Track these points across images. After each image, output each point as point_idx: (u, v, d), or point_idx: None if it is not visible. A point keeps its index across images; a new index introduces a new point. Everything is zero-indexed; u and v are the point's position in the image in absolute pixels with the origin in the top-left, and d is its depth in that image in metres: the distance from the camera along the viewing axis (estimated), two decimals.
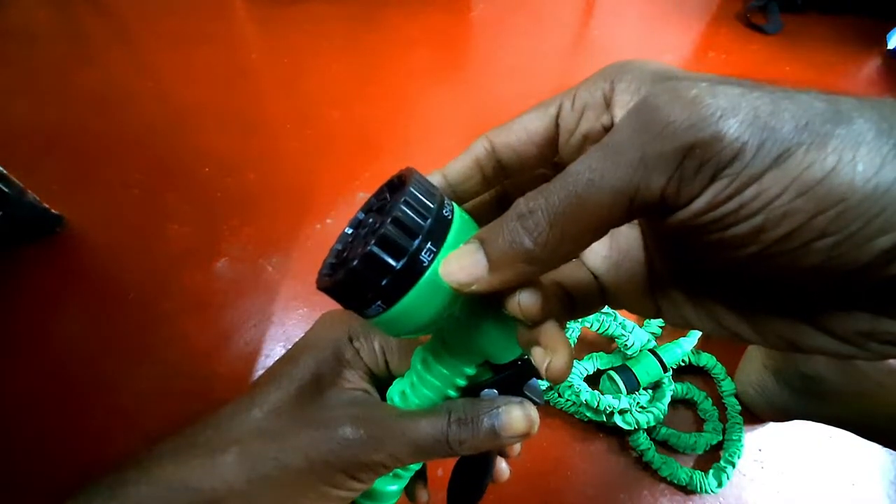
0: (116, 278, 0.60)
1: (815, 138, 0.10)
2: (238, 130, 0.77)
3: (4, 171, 0.55)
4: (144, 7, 1.00)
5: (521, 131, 0.18)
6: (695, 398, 0.51)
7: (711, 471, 0.47)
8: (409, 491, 0.27)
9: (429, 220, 0.16)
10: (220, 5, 1.01)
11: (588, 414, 0.48)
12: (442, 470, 0.47)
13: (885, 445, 0.40)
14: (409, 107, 0.82)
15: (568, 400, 0.49)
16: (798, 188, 0.10)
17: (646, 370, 0.49)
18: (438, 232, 0.16)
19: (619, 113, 0.16)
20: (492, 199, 0.21)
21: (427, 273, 0.16)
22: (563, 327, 0.17)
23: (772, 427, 0.51)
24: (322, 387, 0.21)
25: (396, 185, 0.18)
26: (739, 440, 0.48)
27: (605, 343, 0.55)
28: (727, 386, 0.52)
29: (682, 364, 0.53)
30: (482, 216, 0.19)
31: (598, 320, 0.52)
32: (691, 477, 0.46)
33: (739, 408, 0.51)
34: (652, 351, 0.50)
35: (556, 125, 0.17)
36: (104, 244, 0.63)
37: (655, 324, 0.55)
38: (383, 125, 0.79)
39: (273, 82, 0.88)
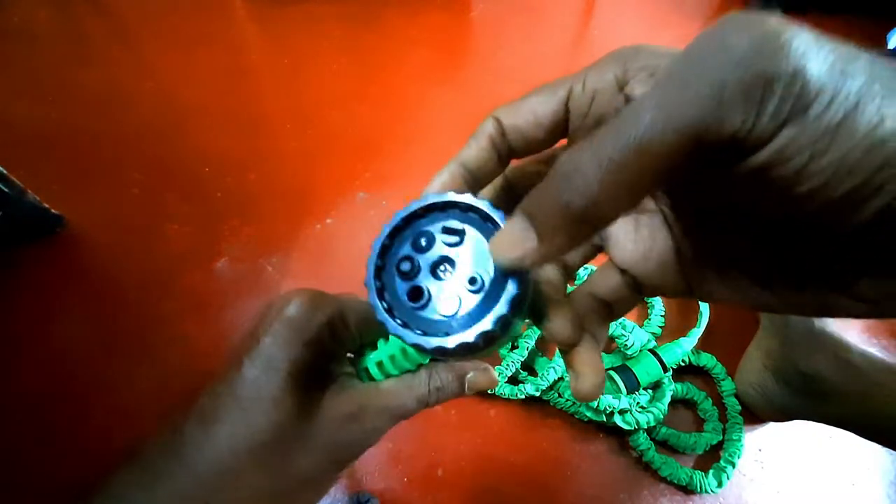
0: (116, 278, 0.60)
1: (886, 92, 0.10)
2: (238, 130, 0.77)
3: (4, 171, 0.55)
4: (144, 7, 1.00)
5: (528, 114, 0.17)
6: (695, 398, 0.51)
7: (711, 471, 0.47)
8: None
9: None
10: (220, 5, 1.00)
11: (588, 414, 0.48)
12: (442, 470, 0.47)
13: (886, 445, 0.40)
14: (409, 107, 0.82)
15: (568, 400, 0.49)
16: (869, 144, 0.10)
17: (646, 370, 0.49)
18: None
19: (640, 91, 0.15)
20: (497, 188, 0.21)
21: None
22: (606, 328, 0.20)
23: (772, 427, 0.51)
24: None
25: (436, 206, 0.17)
26: (739, 440, 0.48)
27: (605, 343, 0.55)
28: (727, 386, 0.52)
29: (682, 364, 0.53)
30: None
31: None
32: (691, 477, 0.46)
33: (739, 408, 0.50)
34: (652, 351, 0.50)
35: (566, 108, 0.17)
36: (104, 244, 0.63)
37: (655, 324, 0.55)
38: (383, 125, 0.79)
39: (273, 82, 0.88)
